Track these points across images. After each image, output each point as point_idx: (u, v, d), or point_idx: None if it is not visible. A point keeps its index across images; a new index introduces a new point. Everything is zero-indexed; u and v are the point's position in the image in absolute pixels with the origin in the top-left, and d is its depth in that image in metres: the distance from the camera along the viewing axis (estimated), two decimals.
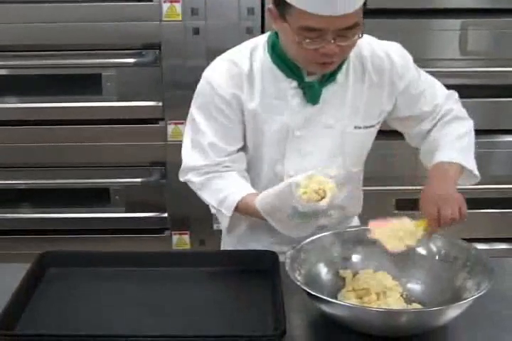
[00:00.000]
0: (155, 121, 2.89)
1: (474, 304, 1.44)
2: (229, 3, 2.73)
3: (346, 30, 1.57)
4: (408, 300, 1.59)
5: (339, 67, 1.72)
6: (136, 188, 2.97)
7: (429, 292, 1.61)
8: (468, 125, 1.90)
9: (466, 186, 2.94)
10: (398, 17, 2.76)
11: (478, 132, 2.94)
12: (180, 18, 2.76)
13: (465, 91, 2.88)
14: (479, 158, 2.95)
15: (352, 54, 1.72)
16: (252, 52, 1.75)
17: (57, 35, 2.76)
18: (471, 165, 1.81)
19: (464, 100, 2.87)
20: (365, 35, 1.71)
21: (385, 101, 1.80)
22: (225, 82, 1.73)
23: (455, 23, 2.77)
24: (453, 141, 1.83)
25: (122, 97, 2.86)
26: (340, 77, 1.74)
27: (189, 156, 1.81)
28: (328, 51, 1.58)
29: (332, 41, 1.56)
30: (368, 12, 2.68)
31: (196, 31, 2.77)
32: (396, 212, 2.97)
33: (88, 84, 2.86)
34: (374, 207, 2.93)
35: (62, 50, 2.80)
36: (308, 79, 1.73)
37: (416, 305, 1.56)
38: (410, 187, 2.96)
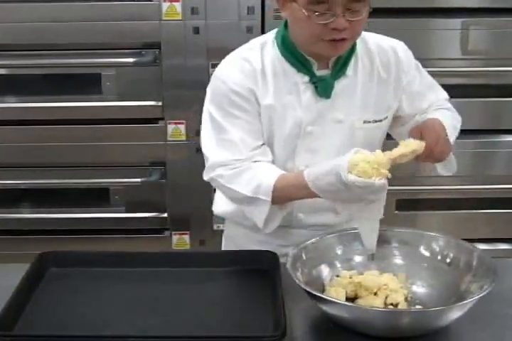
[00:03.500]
0: (155, 120, 2.89)
1: (476, 305, 1.44)
2: (229, 3, 2.73)
3: (354, 3, 1.59)
4: (412, 302, 1.59)
5: (348, 61, 1.74)
6: (136, 188, 2.97)
7: (434, 295, 1.61)
8: (459, 117, 1.93)
9: (467, 186, 2.97)
10: (399, 16, 2.76)
11: (479, 132, 2.97)
12: (180, 18, 2.76)
13: (466, 91, 2.90)
14: (480, 157, 2.98)
15: (360, 49, 1.75)
16: (262, 49, 1.76)
17: (56, 34, 2.76)
18: (452, 142, 1.80)
19: (465, 100, 2.90)
20: (370, 33, 1.75)
21: (392, 96, 1.82)
22: (239, 78, 1.73)
23: (456, 22, 2.77)
24: (446, 115, 1.85)
25: (122, 97, 2.86)
26: (349, 70, 1.76)
27: (217, 153, 1.76)
28: (338, 25, 1.60)
29: (342, 15, 1.59)
30: (369, 11, 2.69)
31: (196, 30, 2.77)
32: (396, 212, 2.97)
33: (88, 83, 2.86)
34: None
35: (62, 50, 2.80)
36: (319, 73, 1.74)
37: (419, 307, 1.56)
38: (410, 187, 2.96)
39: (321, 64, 1.75)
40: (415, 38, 2.77)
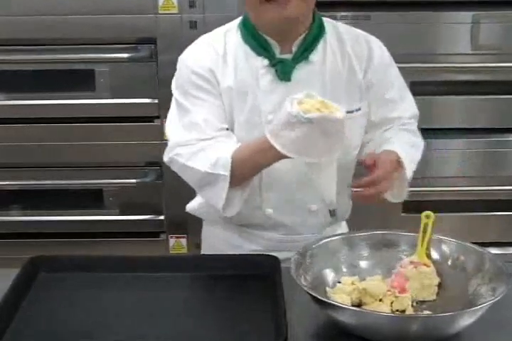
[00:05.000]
0: (150, 119, 2.89)
1: (488, 310, 1.44)
2: None
3: None
4: (419, 308, 1.58)
5: (313, 46, 1.77)
6: (131, 189, 2.97)
7: (441, 299, 1.60)
8: (421, 144, 1.92)
9: (477, 187, 2.97)
10: (406, 9, 2.76)
11: (490, 131, 2.97)
12: (176, 11, 2.76)
13: (476, 88, 2.90)
14: (490, 157, 2.98)
15: (330, 35, 1.79)
16: (225, 35, 1.82)
17: (46, 28, 2.76)
18: (409, 177, 1.81)
19: (475, 97, 2.90)
20: (343, 24, 1.84)
21: (363, 88, 1.83)
22: (200, 59, 1.79)
23: (466, 15, 2.77)
24: (406, 144, 1.84)
25: (116, 94, 2.86)
26: (315, 57, 1.78)
27: (179, 134, 1.79)
28: None
29: None
30: (375, 4, 2.70)
31: (194, 25, 2.77)
32: (403, 214, 2.97)
33: (80, 80, 2.86)
34: (380, 210, 2.94)
35: (53, 45, 2.80)
36: (280, 56, 1.77)
37: (427, 313, 1.55)
38: (418, 189, 2.95)
39: (284, 48, 1.77)
40: (423, 32, 2.78)
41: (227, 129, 1.80)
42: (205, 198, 1.83)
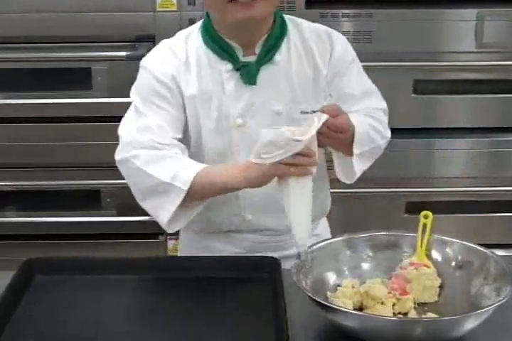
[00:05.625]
0: None
1: (494, 312, 1.43)
2: None
3: None
4: (421, 310, 1.58)
5: (276, 46, 1.76)
6: (129, 190, 2.95)
7: (443, 301, 1.60)
8: (386, 135, 1.86)
9: (481, 188, 2.97)
10: (409, 7, 2.76)
11: (494, 130, 2.97)
12: (175, 8, 2.76)
13: (481, 87, 2.90)
14: (495, 157, 2.98)
15: (293, 35, 1.78)
16: (186, 40, 1.80)
17: (43, 26, 2.76)
18: (356, 152, 1.75)
19: (479, 96, 2.90)
20: (304, 20, 1.81)
21: (324, 86, 1.81)
22: (162, 66, 1.77)
23: (471, 12, 2.77)
24: (366, 124, 1.79)
25: (114, 93, 2.86)
26: (280, 57, 1.77)
27: (135, 134, 1.75)
28: None
29: None
30: (377, 2, 2.69)
31: (193, 22, 2.74)
32: (406, 215, 2.97)
33: (77, 78, 2.86)
34: (382, 210, 2.95)
35: (49, 43, 2.80)
36: (244, 59, 1.76)
37: (431, 315, 1.55)
38: (421, 189, 2.96)
39: (247, 50, 1.76)
40: (426, 29, 2.78)
41: (181, 142, 1.77)
42: (149, 207, 1.77)
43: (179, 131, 1.77)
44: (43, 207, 3.02)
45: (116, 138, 2.86)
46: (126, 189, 3.01)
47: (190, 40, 1.79)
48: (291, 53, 1.78)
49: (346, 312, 1.44)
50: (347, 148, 1.74)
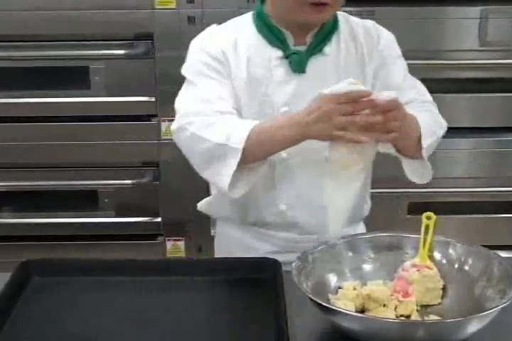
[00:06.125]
0: (147, 117, 2.90)
1: (498, 315, 1.43)
2: None
3: None
4: (424, 312, 1.58)
5: (328, 38, 1.79)
6: (127, 190, 2.97)
7: (446, 303, 1.60)
8: (442, 123, 1.89)
9: (484, 188, 2.96)
10: (412, 4, 2.76)
11: (498, 130, 2.97)
12: (174, 6, 2.76)
13: (484, 85, 2.90)
14: (499, 157, 2.98)
15: (344, 30, 1.81)
16: (238, 25, 1.84)
17: (40, 24, 2.76)
18: (426, 145, 1.75)
19: (483, 95, 2.90)
20: (354, 17, 1.85)
21: (370, 80, 1.83)
22: (212, 43, 1.80)
23: (474, 10, 2.78)
24: (425, 115, 1.80)
25: (112, 92, 2.86)
26: (329, 49, 1.80)
27: (191, 104, 1.77)
28: None
29: None
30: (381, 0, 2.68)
31: (192, 20, 2.77)
32: (409, 216, 2.97)
33: (74, 77, 2.86)
34: (385, 211, 2.94)
35: (46, 41, 2.80)
36: (294, 48, 1.78)
37: (434, 318, 1.55)
38: (423, 190, 2.95)
39: (298, 40, 1.79)
40: (429, 27, 2.78)
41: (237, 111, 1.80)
42: (209, 176, 1.76)
43: (234, 101, 1.79)
44: (40, 208, 3.02)
45: (115, 137, 2.89)
46: (124, 189, 3.04)
47: (242, 25, 1.83)
48: (341, 46, 1.81)
49: (348, 314, 1.44)
50: (414, 145, 1.74)
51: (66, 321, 1.58)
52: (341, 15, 1.85)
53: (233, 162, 1.67)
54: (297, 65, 1.78)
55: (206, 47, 1.80)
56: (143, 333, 1.53)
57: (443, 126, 1.89)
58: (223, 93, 1.77)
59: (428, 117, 1.82)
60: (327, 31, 1.80)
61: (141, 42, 2.81)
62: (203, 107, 1.75)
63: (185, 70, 1.84)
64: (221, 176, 1.71)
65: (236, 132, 1.68)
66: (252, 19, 1.83)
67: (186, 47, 2.79)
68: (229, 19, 2.61)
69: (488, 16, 2.76)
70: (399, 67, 1.88)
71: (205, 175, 1.77)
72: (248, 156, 1.68)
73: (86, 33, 2.79)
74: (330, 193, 1.65)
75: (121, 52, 2.80)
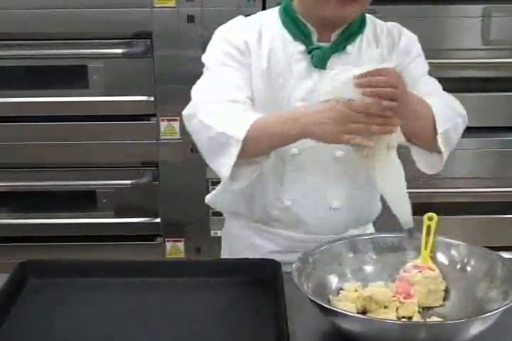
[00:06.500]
0: (146, 117, 2.90)
1: (501, 317, 1.43)
2: None
3: None
4: (426, 314, 1.58)
5: (352, 38, 1.80)
6: (126, 191, 2.97)
7: (449, 305, 1.60)
8: (461, 111, 1.87)
9: (488, 188, 2.96)
10: (413, 3, 2.76)
11: (502, 129, 2.96)
12: (173, 4, 2.76)
13: (487, 85, 2.90)
14: (503, 157, 2.98)
15: (368, 31, 1.83)
16: (263, 17, 1.86)
17: (38, 22, 2.76)
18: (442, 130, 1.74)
19: (486, 94, 2.89)
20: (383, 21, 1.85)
21: None
22: (235, 33, 1.82)
23: (476, 9, 2.78)
24: (440, 102, 1.79)
25: (110, 91, 2.86)
26: (352, 48, 1.81)
27: (205, 93, 1.78)
28: None
29: None
30: None
31: (191, 19, 2.77)
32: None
33: (72, 76, 2.86)
34: (387, 211, 2.94)
35: (44, 40, 2.80)
36: (318, 44, 1.79)
37: (435, 319, 1.55)
38: (426, 190, 2.96)
39: (322, 36, 1.80)
40: (431, 26, 2.78)
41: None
42: (214, 166, 1.75)
43: (250, 91, 1.79)
44: (37, 209, 3.02)
45: (114, 137, 2.89)
46: (122, 190, 3.03)
47: (267, 17, 1.85)
48: (363, 48, 1.82)
49: (349, 315, 1.44)
50: (426, 131, 1.73)
51: (64, 323, 1.57)
52: (368, 18, 1.86)
53: (234, 152, 1.67)
54: (319, 60, 1.78)
55: (229, 37, 1.81)
56: (141, 335, 1.53)
57: (462, 113, 1.87)
58: (241, 83, 1.78)
59: (442, 102, 1.81)
60: (353, 31, 1.80)
61: (140, 41, 2.81)
62: (215, 95, 1.75)
63: (205, 58, 1.85)
64: (222, 166, 1.71)
65: (240, 122, 1.68)
66: (279, 13, 1.84)
67: (186, 47, 2.81)
68: (229, 18, 2.62)
69: (491, 14, 2.76)
70: (418, 65, 1.88)
71: (212, 165, 1.76)
72: (250, 148, 1.67)
73: (84, 31, 2.79)
74: (380, 186, 1.68)
75: (120, 51, 2.80)
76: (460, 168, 2.98)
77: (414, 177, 3.03)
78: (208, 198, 2.03)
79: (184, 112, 1.79)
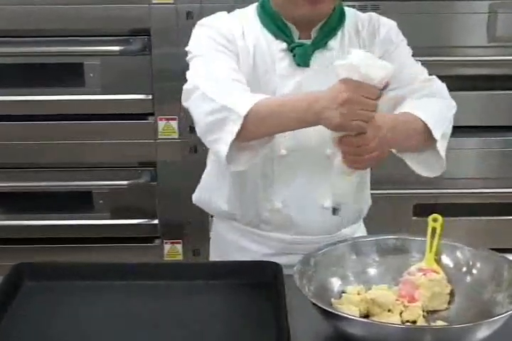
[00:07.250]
0: (144, 116, 2.90)
1: (507, 321, 1.43)
2: None
3: None
4: (431, 318, 1.58)
5: (333, 33, 1.81)
6: (123, 191, 2.97)
7: (454, 308, 1.60)
8: (450, 104, 1.88)
9: (492, 189, 2.96)
10: None
11: (507, 129, 2.96)
12: (171, 1, 2.76)
13: (493, 83, 2.90)
14: (507, 157, 2.97)
15: (349, 25, 1.84)
16: (243, 17, 1.86)
17: (33, 19, 2.76)
18: (439, 135, 1.76)
19: (491, 92, 2.89)
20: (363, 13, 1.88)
21: None
22: (222, 23, 1.82)
23: (482, 4, 2.78)
24: (427, 103, 1.81)
25: (107, 90, 2.86)
26: (334, 44, 1.82)
27: (209, 71, 1.77)
28: None
29: None
30: None
31: (189, 15, 2.77)
32: (414, 218, 2.97)
33: (69, 74, 2.86)
34: (390, 213, 2.94)
35: (39, 37, 2.80)
36: (299, 41, 1.80)
37: (440, 323, 1.55)
38: (429, 191, 2.96)
39: (303, 33, 1.81)
40: (435, 22, 2.78)
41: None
42: (210, 142, 1.73)
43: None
44: (32, 210, 3.01)
45: (110, 136, 2.88)
46: (119, 190, 3.03)
47: (246, 17, 1.85)
48: (345, 41, 1.83)
49: (352, 319, 1.44)
50: (417, 143, 1.76)
51: (59, 325, 1.58)
52: (348, 10, 1.87)
53: (234, 129, 1.66)
54: (301, 58, 1.79)
55: (215, 25, 1.82)
56: (141, 338, 1.53)
57: (451, 105, 1.87)
58: (236, 67, 1.78)
59: (434, 103, 1.82)
60: (333, 25, 1.82)
61: (138, 38, 2.81)
62: (216, 74, 1.75)
63: (193, 46, 1.84)
64: (220, 144, 1.69)
65: (244, 99, 1.68)
66: (256, 11, 1.85)
67: (184, 44, 2.78)
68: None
69: (497, 11, 2.76)
70: (402, 51, 1.89)
71: (207, 141, 1.75)
72: (250, 127, 1.66)
73: (80, 28, 2.79)
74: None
75: (117, 48, 2.80)
76: (464, 168, 2.98)
77: (418, 178, 3.04)
78: (194, 197, 2.02)
79: (186, 86, 1.78)
